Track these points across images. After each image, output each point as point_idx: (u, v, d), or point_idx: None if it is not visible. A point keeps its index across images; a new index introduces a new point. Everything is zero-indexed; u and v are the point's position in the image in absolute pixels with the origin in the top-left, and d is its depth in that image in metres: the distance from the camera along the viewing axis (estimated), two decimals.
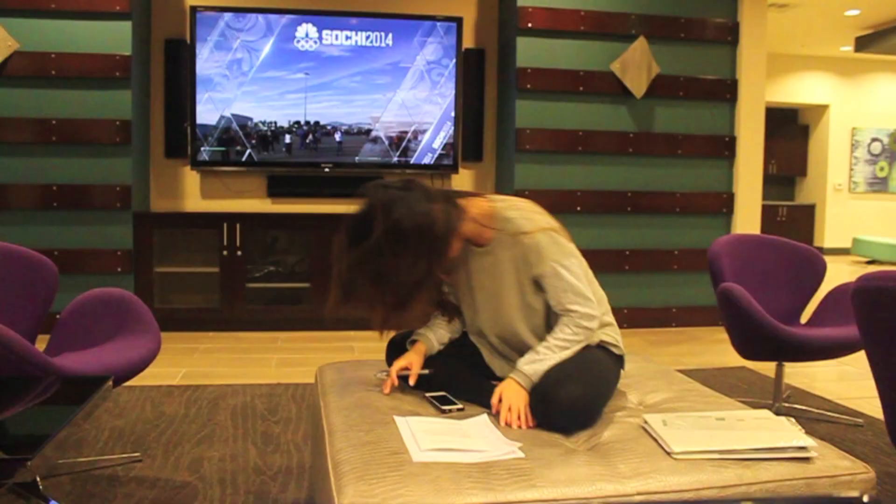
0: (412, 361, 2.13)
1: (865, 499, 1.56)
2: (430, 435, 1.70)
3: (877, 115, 11.29)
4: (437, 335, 2.23)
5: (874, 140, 11.30)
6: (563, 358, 2.00)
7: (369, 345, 4.77)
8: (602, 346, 2.13)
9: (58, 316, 2.83)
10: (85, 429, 3.00)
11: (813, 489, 1.58)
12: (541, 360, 1.99)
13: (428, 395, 2.08)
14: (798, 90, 10.96)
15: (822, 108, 11.23)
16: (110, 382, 2.15)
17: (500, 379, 2.16)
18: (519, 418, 1.89)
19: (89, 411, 1.98)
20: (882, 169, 11.36)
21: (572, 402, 1.86)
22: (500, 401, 1.94)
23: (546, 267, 2.02)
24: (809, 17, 8.48)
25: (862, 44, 9.34)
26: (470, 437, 1.72)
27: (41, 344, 2.61)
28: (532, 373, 1.97)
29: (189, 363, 4.29)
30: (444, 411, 1.96)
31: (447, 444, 1.65)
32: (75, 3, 4.78)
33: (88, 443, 2.88)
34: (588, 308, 2.03)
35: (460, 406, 2.00)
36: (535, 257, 2.03)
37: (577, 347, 2.03)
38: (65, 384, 2.26)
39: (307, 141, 5.39)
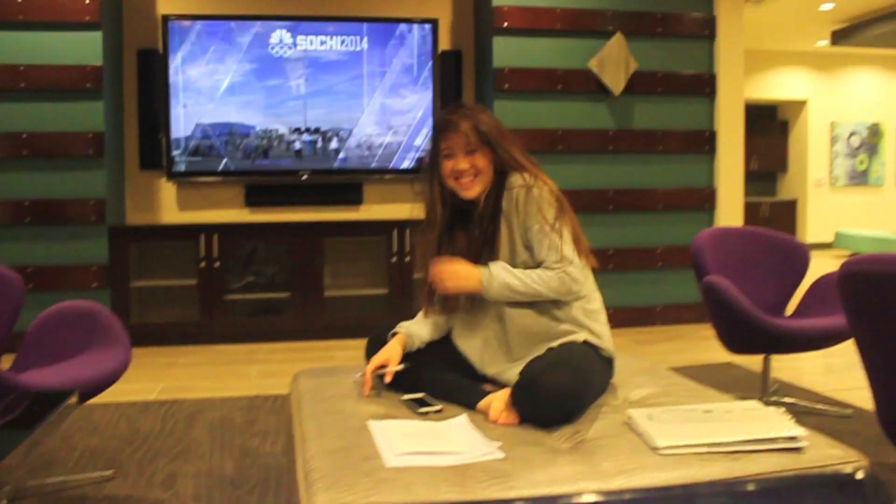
0: (389, 357, 2.07)
1: (859, 476, 1.50)
2: (405, 438, 1.63)
3: (855, 109, 11.32)
4: (419, 331, 2.17)
5: (853, 134, 11.33)
6: (529, 289, 2.00)
7: (351, 353, 4.68)
8: (588, 344, 2.07)
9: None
10: (55, 448, 2.90)
11: (805, 480, 1.52)
12: (510, 272, 2.01)
13: (405, 397, 2.01)
14: (776, 86, 10.98)
15: (800, 104, 11.25)
16: (75, 398, 2.07)
17: (482, 376, 2.10)
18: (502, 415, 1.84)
19: (52, 427, 1.90)
20: (862, 162, 11.39)
21: (557, 389, 1.80)
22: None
23: (534, 221, 2.04)
24: (785, 12, 8.49)
25: (838, 37, 9.36)
26: (447, 439, 1.65)
27: (6, 363, 2.52)
28: (497, 273, 2.00)
29: (167, 378, 4.20)
30: (421, 413, 1.90)
31: (423, 448, 1.58)
32: (43, 14, 4.69)
33: (59, 462, 2.79)
34: (572, 269, 2.02)
35: (439, 407, 1.93)
36: (526, 209, 2.05)
37: (547, 293, 2.01)
38: (33, 402, 2.17)
39: (282, 148, 5.31)
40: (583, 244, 2.12)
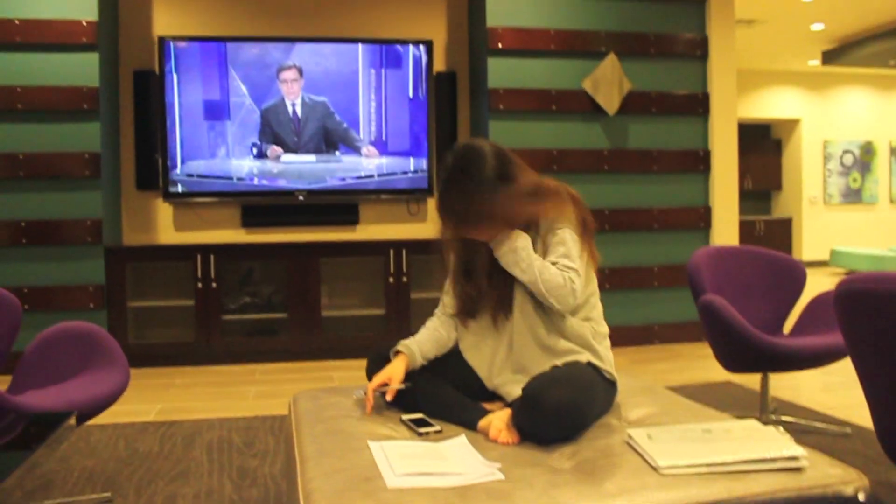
0: (391, 375, 2.07)
1: (861, 497, 1.50)
2: (405, 459, 1.63)
3: (847, 128, 11.41)
4: (422, 349, 2.16)
5: (846, 152, 11.41)
6: (530, 267, 1.99)
7: (349, 374, 4.69)
8: (592, 366, 2.07)
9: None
10: (54, 470, 2.88)
11: (806, 500, 1.52)
12: (526, 245, 2.02)
13: (404, 417, 2.01)
14: (769, 105, 11.07)
15: (793, 123, 11.34)
16: (73, 419, 2.06)
17: (486, 391, 2.11)
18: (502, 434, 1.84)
19: (50, 448, 1.89)
20: (855, 180, 11.46)
21: (560, 405, 1.80)
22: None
23: (561, 225, 2.07)
24: (777, 33, 8.58)
25: (829, 57, 9.46)
26: (447, 460, 1.65)
27: (3, 384, 2.51)
28: (514, 236, 2.02)
29: (165, 399, 4.18)
30: (420, 434, 1.89)
31: (423, 469, 1.57)
32: (41, 36, 4.72)
33: (57, 485, 2.77)
34: (577, 281, 2.02)
35: (438, 428, 1.93)
36: (561, 214, 2.08)
37: (543, 284, 1.99)
38: (29, 424, 2.16)
39: (279, 168, 5.33)
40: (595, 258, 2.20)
